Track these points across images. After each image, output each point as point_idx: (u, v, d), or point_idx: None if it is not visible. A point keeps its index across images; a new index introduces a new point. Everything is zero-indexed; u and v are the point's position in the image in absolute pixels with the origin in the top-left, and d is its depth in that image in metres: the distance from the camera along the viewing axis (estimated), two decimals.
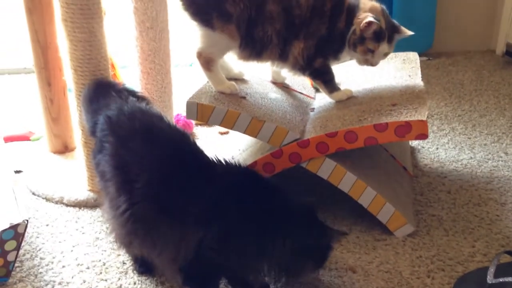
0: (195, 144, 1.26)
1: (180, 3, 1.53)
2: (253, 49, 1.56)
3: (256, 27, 1.52)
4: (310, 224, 1.22)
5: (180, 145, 1.24)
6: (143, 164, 1.20)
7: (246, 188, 1.21)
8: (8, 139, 2.12)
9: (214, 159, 1.24)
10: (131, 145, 1.22)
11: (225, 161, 1.24)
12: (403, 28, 1.64)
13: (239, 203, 1.18)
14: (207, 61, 1.57)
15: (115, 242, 1.39)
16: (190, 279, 1.21)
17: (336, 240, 1.33)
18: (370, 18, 1.54)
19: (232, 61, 1.73)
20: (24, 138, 2.15)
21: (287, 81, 1.89)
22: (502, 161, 1.95)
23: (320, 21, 1.56)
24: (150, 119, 1.27)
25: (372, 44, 1.58)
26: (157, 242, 1.19)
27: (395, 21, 1.64)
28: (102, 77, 1.57)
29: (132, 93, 1.47)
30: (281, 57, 1.59)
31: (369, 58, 1.61)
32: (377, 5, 1.61)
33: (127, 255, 1.42)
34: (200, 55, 1.57)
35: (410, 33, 1.64)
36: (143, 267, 1.37)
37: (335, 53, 1.63)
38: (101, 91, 1.43)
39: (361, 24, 1.55)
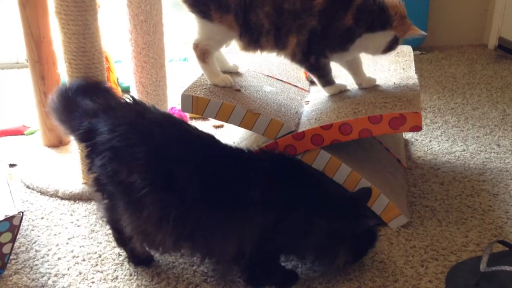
0: (221, 142, 1.29)
1: None
2: (251, 37, 1.54)
3: (250, 13, 1.51)
4: (349, 215, 1.29)
5: (215, 144, 1.28)
6: (190, 169, 1.20)
7: (292, 174, 1.28)
8: (2, 133, 2.11)
9: (249, 151, 1.30)
10: (171, 154, 1.21)
11: (261, 151, 1.29)
12: None
13: (289, 189, 1.25)
14: (203, 52, 1.56)
15: (151, 249, 1.35)
16: (255, 271, 1.27)
17: (376, 234, 1.36)
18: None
19: (227, 55, 1.74)
20: (18, 132, 2.14)
21: (282, 74, 1.90)
22: (494, 153, 1.97)
23: (309, 12, 1.49)
24: (180, 126, 1.27)
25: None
26: (215, 240, 1.21)
27: None
28: (71, 82, 1.52)
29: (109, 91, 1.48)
30: (278, 45, 1.56)
31: None
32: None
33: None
34: (196, 47, 1.56)
35: None
36: (138, 258, 1.37)
37: (334, 50, 1.57)
38: (80, 94, 1.39)
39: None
